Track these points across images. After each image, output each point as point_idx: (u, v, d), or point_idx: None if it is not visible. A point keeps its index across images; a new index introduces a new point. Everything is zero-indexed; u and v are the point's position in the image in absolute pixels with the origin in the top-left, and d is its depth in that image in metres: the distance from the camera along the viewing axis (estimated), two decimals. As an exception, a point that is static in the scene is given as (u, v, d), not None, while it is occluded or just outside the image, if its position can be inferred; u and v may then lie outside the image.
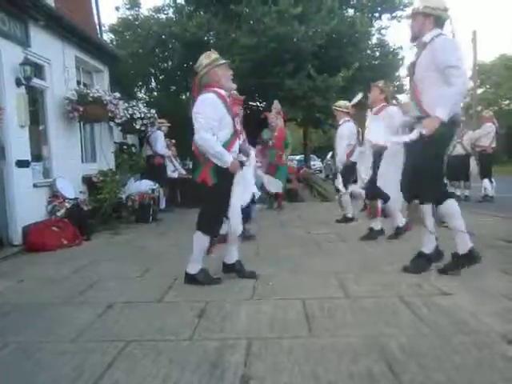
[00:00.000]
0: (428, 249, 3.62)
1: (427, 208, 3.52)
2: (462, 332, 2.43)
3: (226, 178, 3.39)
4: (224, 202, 3.45)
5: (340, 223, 6.64)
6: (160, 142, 8.79)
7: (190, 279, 3.54)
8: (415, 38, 3.54)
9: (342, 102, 6.88)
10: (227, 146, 3.40)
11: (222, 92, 3.45)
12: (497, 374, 1.96)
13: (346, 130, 6.54)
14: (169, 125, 8.99)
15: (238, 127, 3.61)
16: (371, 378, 1.96)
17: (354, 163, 6.43)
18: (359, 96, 6.79)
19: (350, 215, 6.70)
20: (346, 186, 6.68)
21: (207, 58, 3.54)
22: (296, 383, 1.95)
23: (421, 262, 3.62)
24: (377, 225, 5.30)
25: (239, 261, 3.74)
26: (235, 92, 4.51)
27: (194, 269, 3.54)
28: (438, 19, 3.41)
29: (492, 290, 3.14)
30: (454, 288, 3.18)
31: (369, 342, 2.31)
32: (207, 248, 3.54)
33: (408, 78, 3.73)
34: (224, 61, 3.56)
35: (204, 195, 3.50)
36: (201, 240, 3.49)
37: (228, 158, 3.33)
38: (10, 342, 2.51)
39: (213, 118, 3.31)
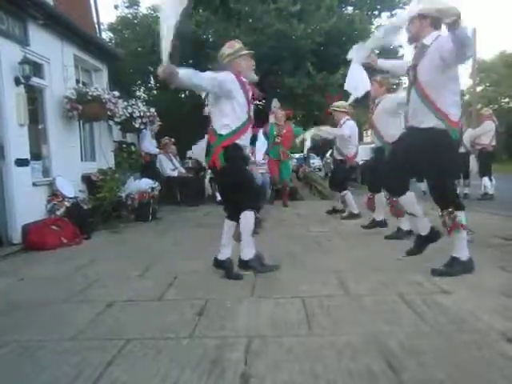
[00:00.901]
0: (424, 231, 3.69)
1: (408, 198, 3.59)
2: (461, 330, 2.43)
3: (235, 157, 3.41)
4: (242, 177, 3.47)
5: (346, 219, 6.66)
6: (146, 141, 8.83)
7: (245, 266, 3.49)
8: (412, 39, 3.52)
9: (339, 103, 6.90)
10: (239, 131, 3.41)
11: (243, 78, 3.45)
12: (496, 372, 1.96)
13: (347, 129, 6.60)
14: (160, 123, 8.97)
15: (252, 115, 3.61)
16: (371, 375, 1.97)
17: (357, 164, 6.51)
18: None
19: (355, 211, 6.71)
20: (345, 185, 6.71)
21: (230, 47, 3.54)
22: (296, 381, 1.95)
23: (419, 243, 3.75)
24: (405, 225, 5.03)
25: (230, 259, 3.71)
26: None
27: (248, 254, 3.51)
28: (435, 20, 3.37)
29: (491, 287, 3.14)
30: (453, 286, 3.18)
31: (368, 340, 2.32)
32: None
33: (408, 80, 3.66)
34: (247, 51, 3.53)
35: (222, 180, 3.54)
36: (247, 219, 3.46)
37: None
38: (10, 341, 2.51)
39: (211, 74, 3.32)
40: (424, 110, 3.38)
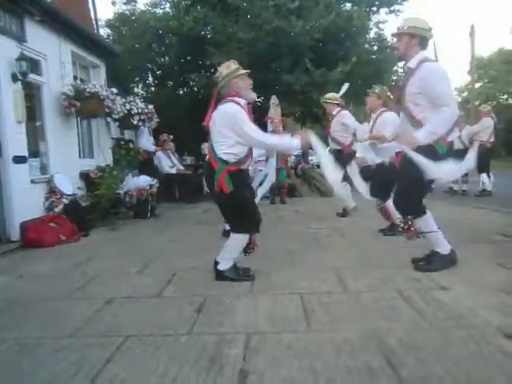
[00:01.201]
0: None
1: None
2: (459, 326, 2.44)
3: (241, 182, 3.40)
4: (248, 205, 3.47)
5: (342, 217, 6.64)
6: (144, 138, 8.82)
7: (220, 275, 3.51)
8: (401, 58, 3.58)
9: (330, 94, 6.88)
10: (244, 159, 3.41)
11: (241, 101, 3.46)
12: (494, 368, 1.97)
13: (346, 117, 6.57)
14: (158, 120, 8.94)
15: None
16: (370, 372, 1.97)
17: (354, 152, 6.39)
18: (346, 86, 6.81)
19: (351, 206, 6.65)
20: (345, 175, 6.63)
21: (227, 68, 3.54)
22: (294, 378, 1.95)
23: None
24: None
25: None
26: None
27: (225, 265, 3.52)
28: (423, 40, 3.43)
29: (489, 284, 3.15)
30: (452, 282, 3.19)
31: (367, 337, 2.32)
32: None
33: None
34: (244, 71, 3.54)
35: (227, 204, 3.48)
36: (237, 241, 3.50)
37: (293, 141, 3.41)
38: (8, 338, 2.51)
39: (250, 122, 3.36)
40: (412, 130, 3.39)
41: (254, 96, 3.67)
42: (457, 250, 4.22)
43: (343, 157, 6.53)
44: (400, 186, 3.67)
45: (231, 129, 3.32)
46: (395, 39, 3.57)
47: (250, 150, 3.49)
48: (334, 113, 6.69)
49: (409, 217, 3.57)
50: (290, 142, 3.42)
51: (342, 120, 6.56)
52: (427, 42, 3.48)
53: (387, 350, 2.16)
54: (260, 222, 3.57)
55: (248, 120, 3.34)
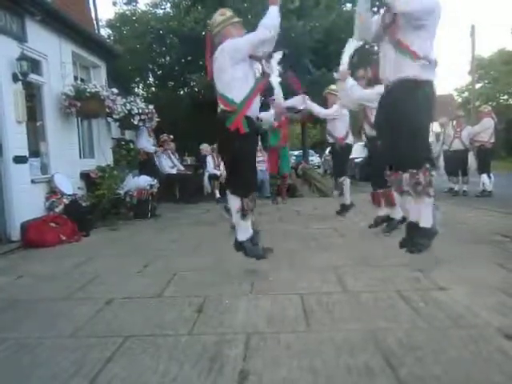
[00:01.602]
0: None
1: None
2: (458, 326, 2.44)
3: (253, 134, 3.45)
4: (249, 162, 3.49)
5: (340, 214, 6.63)
6: (143, 138, 8.83)
7: (239, 246, 3.56)
8: None
9: (334, 86, 6.64)
10: (248, 99, 3.39)
11: None
12: (493, 368, 1.97)
13: (333, 110, 6.44)
14: (158, 119, 8.95)
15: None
16: (369, 371, 1.97)
17: (350, 145, 6.43)
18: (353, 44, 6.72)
19: (348, 202, 6.65)
20: (342, 171, 6.60)
21: (222, 15, 3.49)
22: (294, 377, 1.96)
23: None
24: (397, 213, 5.04)
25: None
26: None
27: (241, 236, 3.56)
28: None
29: (489, 284, 3.15)
30: (451, 282, 3.19)
31: (366, 336, 2.32)
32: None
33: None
34: (238, 19, 3.51)
35: (234, 150, 3.45)
36: (233, 203, 3.51)
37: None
38: (9, 338, 2.51)
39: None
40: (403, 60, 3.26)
41: None
42: (457, 249, 4.24)
43: (338, 150, 6.53)
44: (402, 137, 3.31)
45: (237, 60, 3.32)
46: None
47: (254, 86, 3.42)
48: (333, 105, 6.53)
49: (426, 166, 3.28)
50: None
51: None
52: None
53: (386, 350, 2.16)
54: (252, 188, 3.58)
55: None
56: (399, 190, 3.55)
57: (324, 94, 6.86)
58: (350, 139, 6.47)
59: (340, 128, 6.47)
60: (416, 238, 3.52)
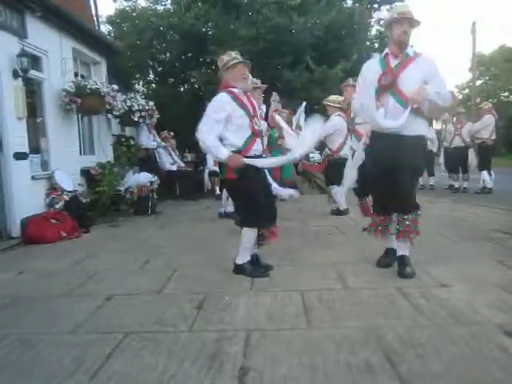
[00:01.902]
0: None
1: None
2: (459, 323, 2.44)
3: (246, 171, 3.37)
4: (254, 195, 3.43)
5: (336, 215, 6.64)
6: (143, 135, 8.81)
7: (237, 269, 3.61)
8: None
9: (333, 97, 6.72)
10: (246, 147, 3.42)
11: (235, 90, 3.45)
12: (494, 365, 1.97)
13: (330, 124, 6.35)
14: (158, 116, 8.92)
15: (257, 128, 3.52)
16: (369, 368, 1.97)
17: (344, 159, 6.14)
18: (303, 106, 6.78)
19: (343, 207, 6.68)
20: (333, 181, 6.58)
21: (220, 62, 3.59)
22: (294, 374, 1.96)
23: None
24: None
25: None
26: (255, 80, 4.78)
27: (241, 259, 3.62)
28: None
29: (489, 281, 3.15)
30: (451, 279, 3.19)
31: (367, 333, 2.32)
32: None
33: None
34: (235, 61, 3.49)
35: (233, 193, 3.69)
36: (245, 235, 3.54)
37: (223, 152, 3.33)
38: (10, 334, 2.51)
39: (215, 119, 3.35)
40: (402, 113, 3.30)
41: (247, 85, 3.57)
42: (457, 247, 4.24)
43: (332, 162, 6.49)
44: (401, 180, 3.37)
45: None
46: (406, 24, 3.31)
47: (251, 137, 3.45)
48: (332, 116, 6.55)
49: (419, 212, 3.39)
50: (219, 152, 3.34)
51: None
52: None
53: (387, 347, 2.16)
54: (271, 217, 3.56)
55: (212, 114, 3.35)
56: (387, 232, 3.63)
57: (322, 103, 6.89)
58: (345, 152, 6.35)
59: (334, 141, 6.51)
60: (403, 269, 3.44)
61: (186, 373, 2.00)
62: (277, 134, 7.22)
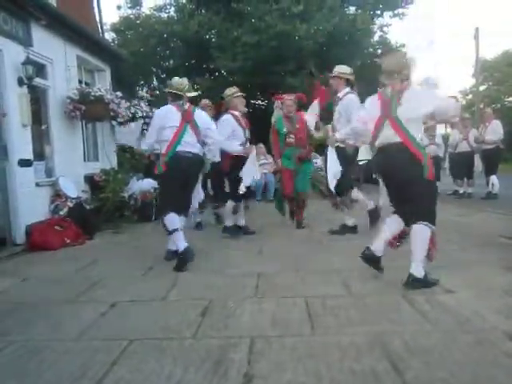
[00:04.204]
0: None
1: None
2: (465, 329, 2.43)
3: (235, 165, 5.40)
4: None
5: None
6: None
7: (224, 230, 5.05)
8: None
9: (343, 67, 5.64)
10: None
11: (236, 113, 5.49)
12: (500, 371, 1.95)
13: (352, 105, 5.10)
14: None
15: (248, 136, 5.65)
16: (374, 375, 1.96)
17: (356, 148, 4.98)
18: None
19: (369, 207, 6.32)
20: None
21: (229, 91, 5.63)
22: (299, 381, 1.95)
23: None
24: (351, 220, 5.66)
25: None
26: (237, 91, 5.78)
27: (227, 222, 5.03)
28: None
29: (494, 287, 3.14)
30: (456, 285, 3.18)
31: (372, 340, 2.31)
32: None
33: None
34: (239, 94, 5.63)
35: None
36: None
37: (236, 147, 5.35)
38: (15, 341, 2.52)
39: (226, 131, 5.23)
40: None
41: (245, 109, 5.73)
42: (463, 252, 4.22)
43: (346, 155, 5.18)
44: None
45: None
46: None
47: (243, 144, 5.50)
48: (339, 94, 5.39)
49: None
50: (232, 145, 5.30)
51: (346, 109, 5.13)
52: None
53: (392, 354, 2.15)
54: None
55: (223, 128, 5.19)
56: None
57: (331, 76, 5.90)
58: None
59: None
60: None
61: (191, 380, 2.00)
62: (284, 129, 6.22)
